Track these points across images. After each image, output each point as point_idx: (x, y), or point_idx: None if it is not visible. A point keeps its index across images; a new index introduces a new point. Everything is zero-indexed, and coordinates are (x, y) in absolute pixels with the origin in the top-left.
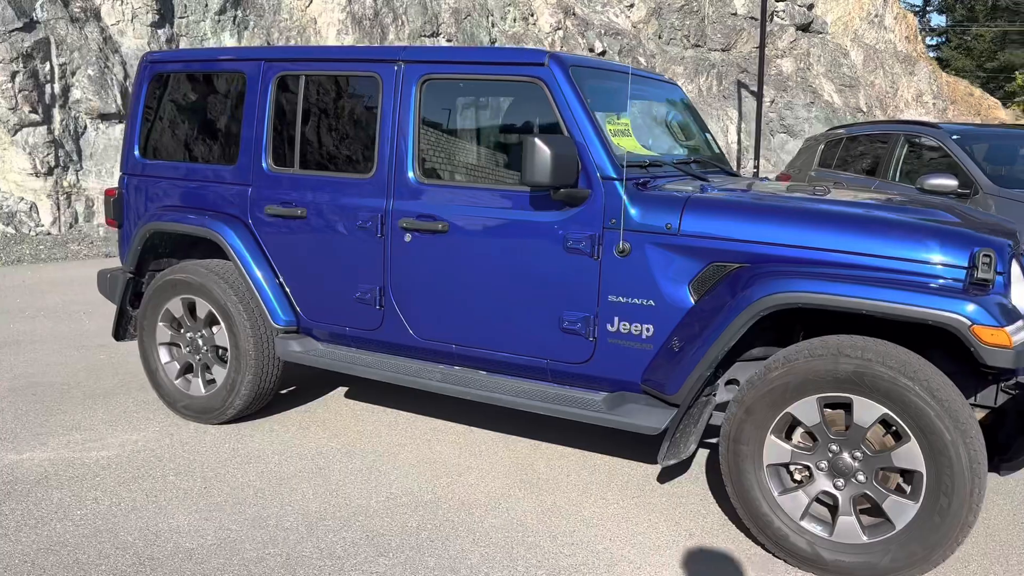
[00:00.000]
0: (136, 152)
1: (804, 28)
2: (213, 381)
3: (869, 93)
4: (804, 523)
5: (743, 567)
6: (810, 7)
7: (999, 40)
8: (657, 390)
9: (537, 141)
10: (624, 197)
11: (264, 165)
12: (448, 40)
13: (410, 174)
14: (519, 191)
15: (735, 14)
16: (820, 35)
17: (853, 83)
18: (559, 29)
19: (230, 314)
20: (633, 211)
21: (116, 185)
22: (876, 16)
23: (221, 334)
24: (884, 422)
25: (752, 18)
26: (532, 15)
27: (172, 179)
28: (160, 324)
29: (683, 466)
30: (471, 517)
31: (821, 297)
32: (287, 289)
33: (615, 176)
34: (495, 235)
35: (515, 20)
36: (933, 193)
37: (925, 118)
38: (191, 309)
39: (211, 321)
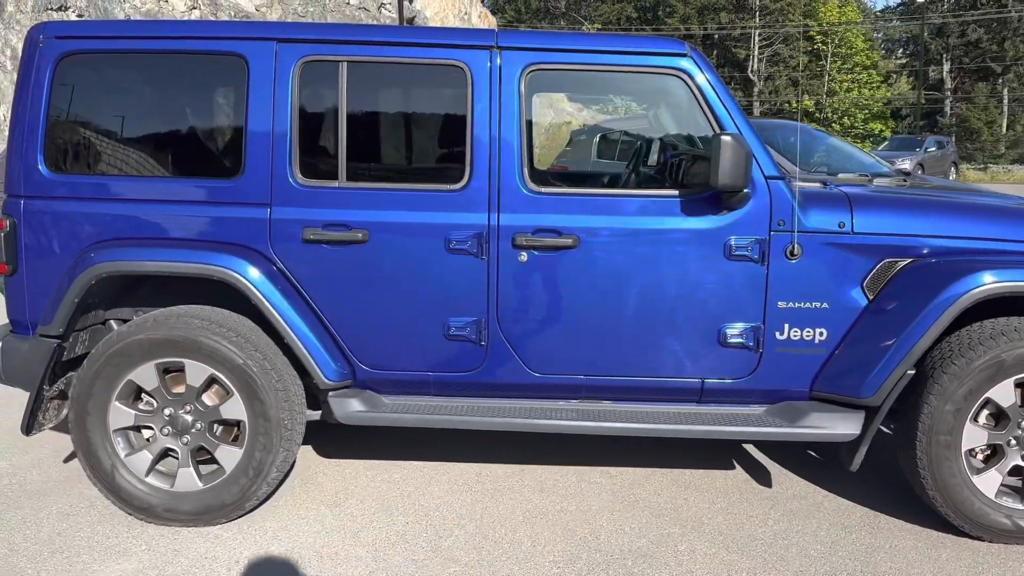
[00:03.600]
0: (41, 165)
1: (410, 22)
2: (215, 466)
3: None
4: (999, 499)
5: (953, 551)
6: (404, 1)
7: None
8: (845, 394)
9: (731, 140)
10: (793, 197)
11: (291, 178)
12: (79, 15)
13: (519, 183)
14: (665, 196)
15: (349, 3)
16: None
17: None
18: (195, 8)
19: (252, 376)
20: (803, 211)
21: (2, 214)
22: (465, 14)
23: (232, 404)
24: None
25: (364, 8)
26: None
27: (118, 201)
28: (116, 403)
29: (722, 462)
30: (668, 557)
31: None
32: (336, 335)
33: (779, 175)
34: (641, 247)
35: None
36: None
37: None
38: (166, 375)
39: (204, 389)
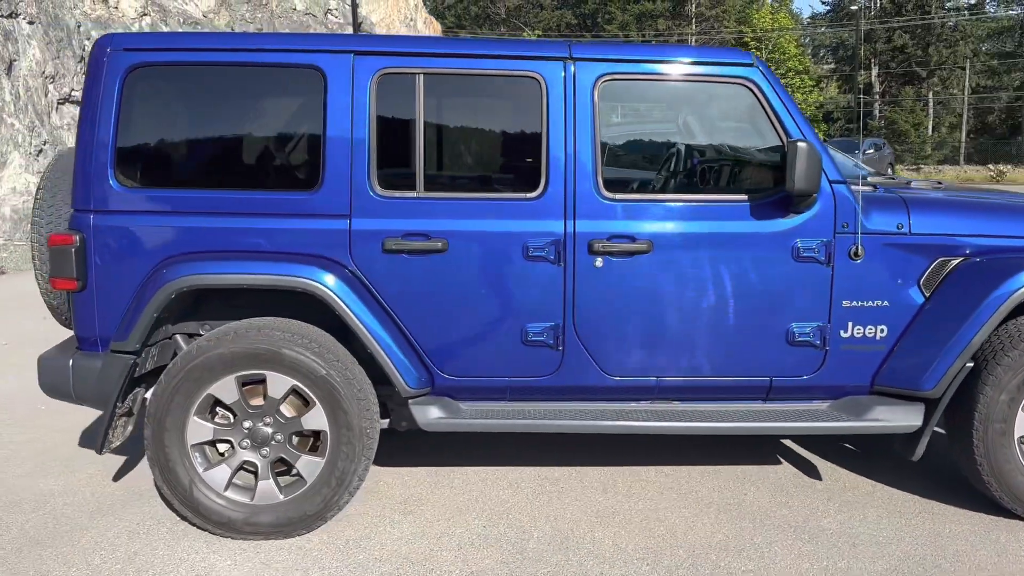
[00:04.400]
0: (112, 180)
1: (358, 28)
2: (292, 478)
3: None
4: None
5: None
6: (356, 6)
7: None
8: (908, 388)
9: (807, 146)
10: (856, 201)
11: (370, 189)
12: (30, 22)
13: (594, 190)
14: (735, 201)
15: (296, 9)
16: None
17: None
18: (145, 15)
19: (335, 386)
20: (865, 214)
21: (69, 229)
22: (411, 20)
23: (314, 415)
24: None
25: (311, 15)
26: None
27: (192, 214)
28: (194, 418)
29: (766, 458)
30: (750, 550)
31: None
32: (416, 343)
33: (841, 179)
34: (713, 250)
35: (95, 2)
36: None
37: None
38: (245, 388)
39: (283, 400)
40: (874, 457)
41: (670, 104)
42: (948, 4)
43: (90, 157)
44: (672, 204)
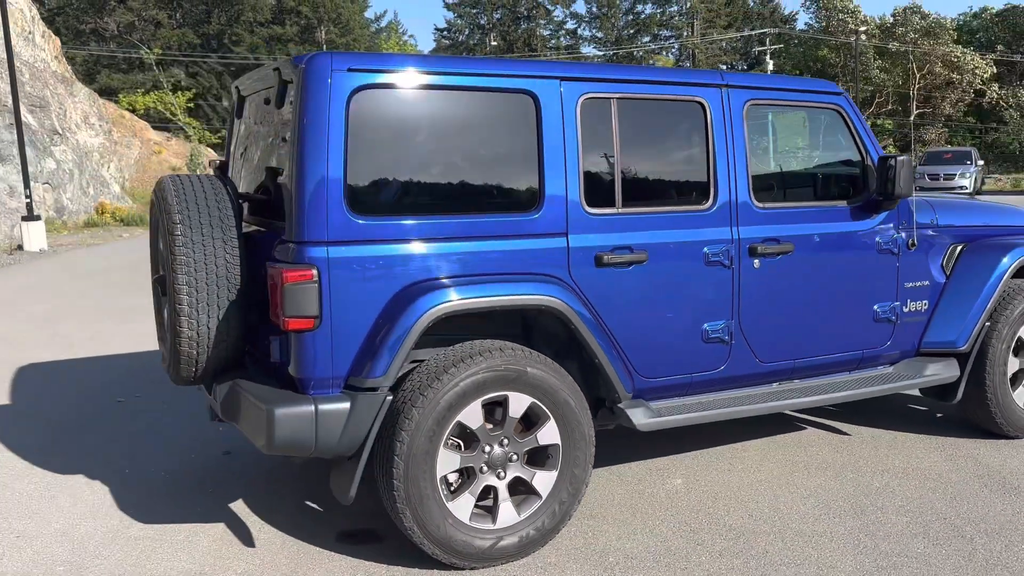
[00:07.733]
0: (345, 209)
1: (9, 45)
2: (524, 495)
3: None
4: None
5: None
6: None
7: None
8: (945, 348)
9: (907, 159)
10: (912, 202)
11: (582, 207)
12: None
13: (749, 199)
14: (838, 206)
15: None
16: None
17: (43, 104)
18: None
19: (568, 399)
20: (916, 212)
21: (299, 264)
22: (29, 33)
23: (548, 430)
24: None
25: None
26: None
27: (429, 240)
28: (443, 450)
29: (788, 427)
30: (901, 494)
31: None
32: (623, 350)
33: None
34: (830, 248)
35: None
36: None
37: (97, 139)
38: (490, 411)
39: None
40: (855, 412)
41: (784, 124)
42: (550, 44)
43: (317, 187)
44: (802, 209)
